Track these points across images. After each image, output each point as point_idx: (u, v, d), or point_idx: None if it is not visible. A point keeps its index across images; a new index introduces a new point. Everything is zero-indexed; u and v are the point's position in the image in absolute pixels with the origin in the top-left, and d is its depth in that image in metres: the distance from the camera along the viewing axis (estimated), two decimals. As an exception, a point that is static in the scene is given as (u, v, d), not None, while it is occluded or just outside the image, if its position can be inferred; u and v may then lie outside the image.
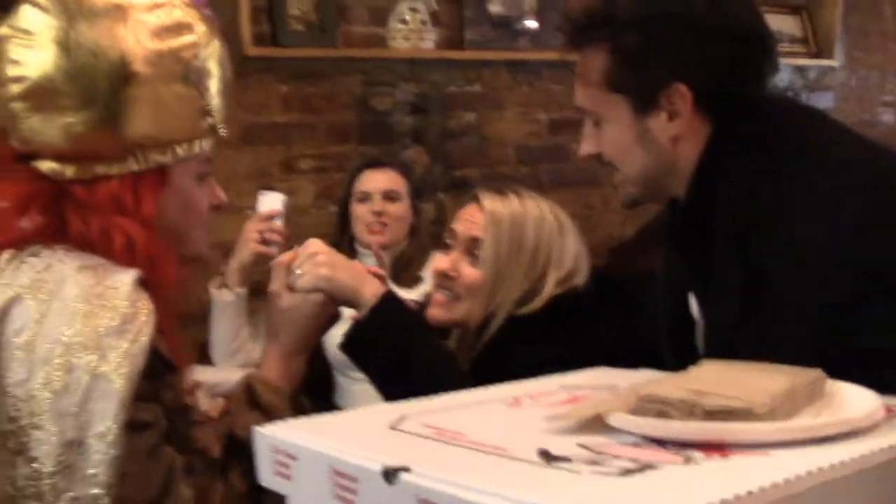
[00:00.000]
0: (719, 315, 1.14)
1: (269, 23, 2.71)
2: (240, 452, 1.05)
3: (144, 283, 0.98)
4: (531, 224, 1.58)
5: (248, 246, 2.16)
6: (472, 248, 1.57)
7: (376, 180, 2.44)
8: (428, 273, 2.44)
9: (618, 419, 0.76)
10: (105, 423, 0.92)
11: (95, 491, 0.92)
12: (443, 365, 1.40)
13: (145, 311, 0.96)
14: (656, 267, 1.37)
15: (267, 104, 2.74)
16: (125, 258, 1.00)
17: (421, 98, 2.98)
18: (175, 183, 1.07)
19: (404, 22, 2.84)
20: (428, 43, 2.90)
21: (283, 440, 0.85)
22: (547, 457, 0.72)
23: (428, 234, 2.67)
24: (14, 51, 0.99)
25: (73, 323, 0.93)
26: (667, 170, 1.16)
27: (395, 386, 1.33)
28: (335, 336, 2.40)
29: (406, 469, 0.72)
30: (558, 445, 0.74)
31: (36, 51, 0.98)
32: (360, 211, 2.43)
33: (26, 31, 0.99)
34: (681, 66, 1.11)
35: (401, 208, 2.44)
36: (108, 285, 0.96)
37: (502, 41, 3.08)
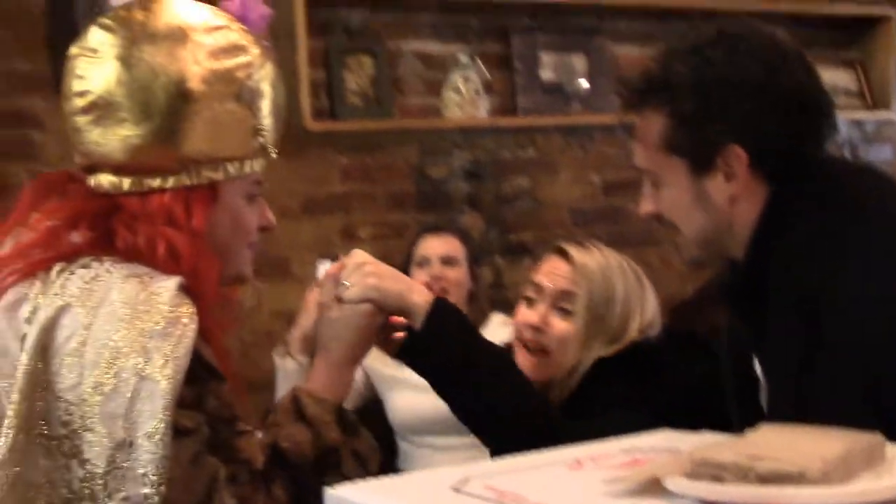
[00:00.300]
0: (779, 374, 1.14)
1: (327, 97, 2.82)
2: (283, 464, 1.07)
3: (188, 291, 1.01)
4: (617, 275, 1.60)
5: (310, 315, 2.21)
6: (560, 301, 1.58)
7: (435, 245, 2.50)
8: (496, 330, 2.45)
9: (674, 483, 0.77)
10: (152, 422, 0.94)
11: (146, 490, 0.94)
12: (505, 365, 1.41)
13: (188, 315, 0.99)
14: (719, 326, 1.38)
15: (327, 176, 2.83)
16: (169, 267, 1.03)
17: (475, 165, 3.06)
18: (226, 200, 1.10)
19: (458, 92, 2.92)
20: (481, 111, 2.97)
21: (353, 502, 0.87)
22: None
23: (486, 298, 2.70)
24: (80, 67, 1.05)
25: (120, 328, 0.97)
26: (724, 231, 1.19)
27: (459, 391, 1.34)
28: (397, 402, 2.43)
29: None
30: None
31: (99, 66, 1.04)
32: (419, 276, 2.47)
33: (92, 49, 1.05)
34: (736, 128, 1.14)
35: (459, 273, 2.48)
36: (151, 291, 0.99)
37: (554, 106, 3.14)
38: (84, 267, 1.02)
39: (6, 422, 0.96)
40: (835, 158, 1.28)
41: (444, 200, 3.01)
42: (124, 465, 0.95)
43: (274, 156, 1.13)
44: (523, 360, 1.59)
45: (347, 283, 1.26)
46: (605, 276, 1.59)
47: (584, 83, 3.14)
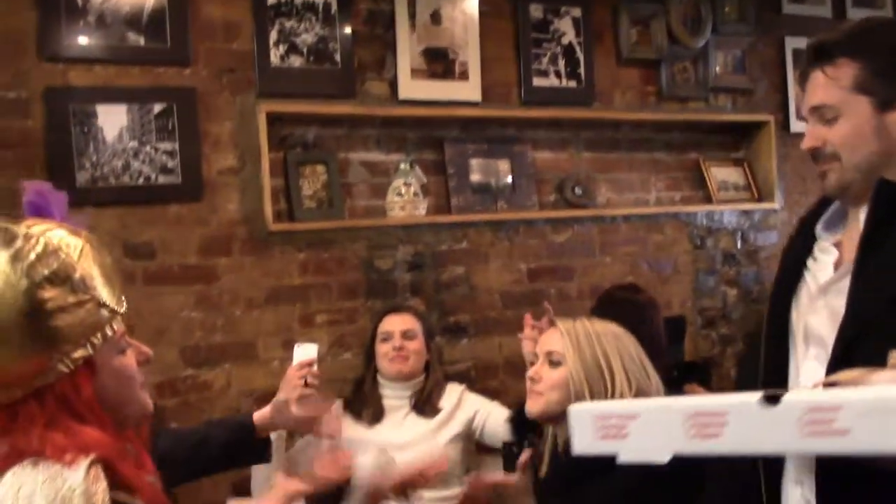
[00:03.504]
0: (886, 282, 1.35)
1: (287, 202, 3.05)
2: None
3: (98, 460, 1.10)
4: (609, 341, 1.97)
5: (293, 391, 2.49)
6: (549, 358, 1.98)
7: (396, 322, 2.80)
8: (449, 401, 2.77)
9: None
10: None
11: None
12: None
13: (100, 492, 1.08)
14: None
15: (287, 270, 3.04)
16: (70, 456, 1.09)
17: (417, 257, 3.26)
18: (103, 365, 1.18)
19: (400, 195, 3.14)
20: (420, 210, 3.17)
21: (614, 407, 1.02)
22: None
23: (440, 368, 2.94)
24: None
25: None
26: (889, 158, 1.42)
27: None
28: (367, 462, 2.68)
29: (782, 394, 0.88)
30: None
31: None
32: (383, 349, 2.76)
33: None
34: None
35: (417, 344, 2.78)
36: (65, 490, 1.06)
37: (483, 204, 3.36)
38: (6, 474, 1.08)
39: None
40: None
41: (391, 288, 3.20)
42: None
43: (122, 309, 1.21)
44: (529, 399, 2.01)
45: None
46: (590, 339, 1.96)
47: (509, 184, 3.43)
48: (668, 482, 1.74)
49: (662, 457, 0.97)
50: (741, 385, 1.63)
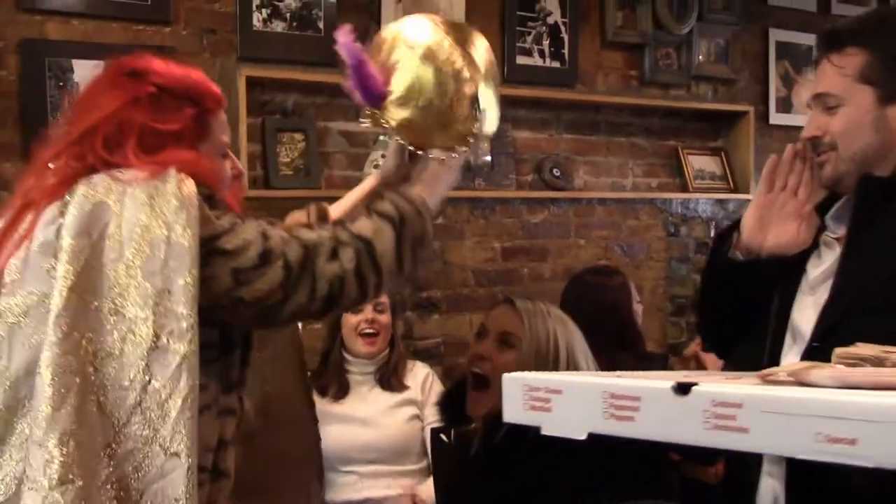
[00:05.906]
0: (876, 268, 1.34)
1: (263, 169, 3.02)
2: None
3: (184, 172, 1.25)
4: (559, 324, 1.87)
5: None
6: (502, 339, 1.87)
7: None
8: (414, 381, 2.76)
9: (820, 375, 0.92)
10: (183, 273, 1.17)
11: (184, 324, 1.16)
12: None
13: (190, 187, 1.23)
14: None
15: None
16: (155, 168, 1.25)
17: None
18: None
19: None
20: None
21: (544, 379, 0.99)
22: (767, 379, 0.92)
23: (402, 344, 2.92)
24: None
25: (144, 210, 1.20)
26: (884, 152, 1.39)
27: None
28: (329, 434, 2.70)
29: (695, 384, 0.86)
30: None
31: None
32: (352, 321, 2.72)
33: None
34: None
35: (387, 318, 2.76)
36: (159, 182, 1.22)
37: (461, 181, 3.31)
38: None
39: (58, 284, 1.15)
40: None
41: (364, 261, 3.26)
42: (166, 306, 1.16)
43: None
44: (471, 396, 1.87)
45: None
46: (544, 321, 1.85)
47: (488, 160, 3.43)
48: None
49: (579, 434, 0.95)
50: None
